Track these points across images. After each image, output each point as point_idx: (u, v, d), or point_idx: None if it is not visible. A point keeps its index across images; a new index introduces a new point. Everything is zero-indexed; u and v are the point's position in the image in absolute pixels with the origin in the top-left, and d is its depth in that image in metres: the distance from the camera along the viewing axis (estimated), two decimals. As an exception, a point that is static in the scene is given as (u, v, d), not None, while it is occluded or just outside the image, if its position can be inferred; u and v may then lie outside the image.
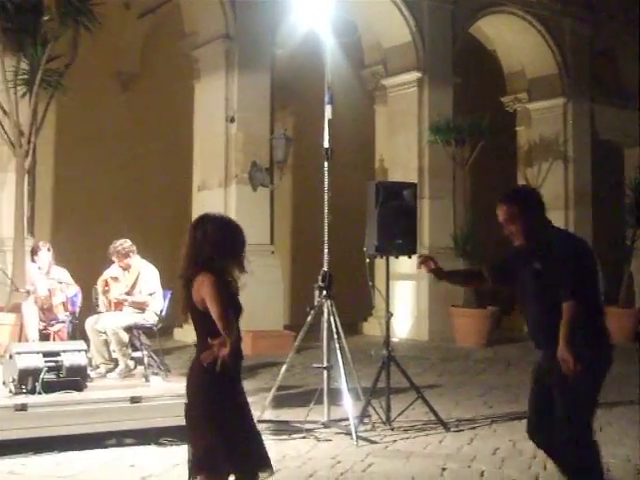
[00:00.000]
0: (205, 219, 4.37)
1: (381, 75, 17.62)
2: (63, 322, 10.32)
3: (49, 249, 10.47)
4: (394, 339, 10.55)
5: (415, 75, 16.77)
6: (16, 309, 11.09)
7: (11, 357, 8.44)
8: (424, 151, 16.67)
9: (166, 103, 16.74)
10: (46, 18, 12.18)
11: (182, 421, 4.44)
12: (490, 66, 19.73)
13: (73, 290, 10.38)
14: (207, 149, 14.78)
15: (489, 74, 19.69)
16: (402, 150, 16.88)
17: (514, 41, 19.21)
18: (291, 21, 13.83)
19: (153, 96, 16.98)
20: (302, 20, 9.83)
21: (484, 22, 18.31)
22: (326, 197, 8.14)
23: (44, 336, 10.26)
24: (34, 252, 10.57)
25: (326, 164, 8.15)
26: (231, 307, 4.18)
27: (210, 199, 14.52)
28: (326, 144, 8.14)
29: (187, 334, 14.48)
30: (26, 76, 11.92)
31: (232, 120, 14.27)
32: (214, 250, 4.19)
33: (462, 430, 8.28)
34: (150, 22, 17.38)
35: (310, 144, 13.46)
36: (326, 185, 8.16)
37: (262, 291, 13.00)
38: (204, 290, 4.12)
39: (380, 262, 9.25)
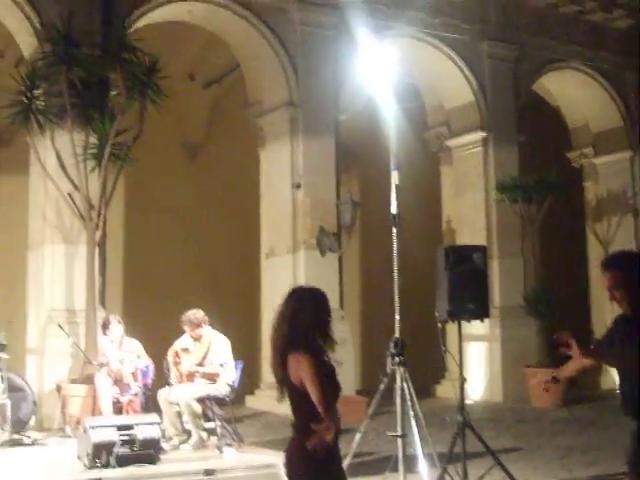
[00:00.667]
0: (299, 293, 4.34)
1: (445, 136, 17.61)
2: (136, 394, 10.37)
3: (120, 322, 10.58)
4: (468, 401, 10.37)
5: (479, 135, 16.74)
6: (88, 381, 11.16)
7: (85, 431, 8.50)
8: (491, 210, 16.56)
9: (232, 171, 16.91)
10: (113, 93, 12.45)
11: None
12: (554, 122, 19.60)
13: (144, 362, 10.44)
14: (274, 216, 14.85)
15: (554, 130, 19.56)
16: (469, 210, 16.79)
17: (577, 95, 19.11)
18: (353, 86, 13.94)
19: (219, 164, 17.17)
20: (364, 85, 9.88)
21: (546, 78, 18.24)
22: (395, 264, 8.08)
23: (117, 408, 10.32)
24: (105, 325, 10.69)
25: (394, 230, 8.11)
26: (329, 387, 4.11)
27: (279, 266, 14.55)
28: (394, 210, 8.11)
29: (259, 401, 14.48)
30: (95, 150, 12.12)
31: (298, 186, 14.34)
32: (309, 325, 4.15)
33: (542, 496, 8.11)
34: (215, 92, 17.65)
35: (376, 207, 13.43)
36: (395, 252, 8.11)
37: (333, 357, 12.92)
38: (302, 372, 4.07)
39: (452, 325, 9.14)
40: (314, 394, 4.02)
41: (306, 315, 4.18)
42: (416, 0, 15.68)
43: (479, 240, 15.55)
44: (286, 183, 14.48)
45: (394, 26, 15.35)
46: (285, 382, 4.18)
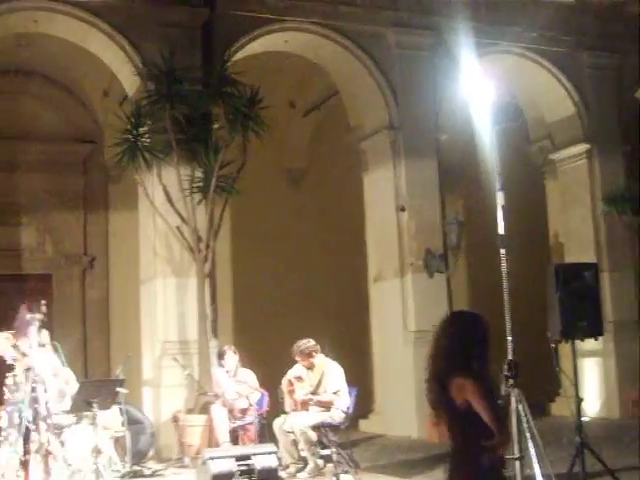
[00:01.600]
0: (459, 317, 4.38)
1: (549, 149, 17.35)
2: (251, 423, 10.47)
3: (235, 352, 10.74)
4: (584, 418, 10.15)
5: (583, 147, 16.42)
6: (204, 411, 11.32)
7: (204, 462, 8.62)
8: (600, 223, 16.22)
9: (336, 196, 16.98)
10: (216, 126, 12.64)
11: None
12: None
13: (259, 392, 10.54)
14: (380, 239, 14.84)
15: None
16: (577, 224, 16.48)
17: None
18: (453, 106, 13.89)
19: (323, 190, 17.27)
20: (464, 104, 9.83)
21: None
22: (505, 285, 7.98)
23: (233, 437, 10.44)
24: (221, 356, 10.84)
25: (502, 251, 8.02)
26: (495, 406, 4.20)
27: (387, 289, 14.53)
28: (501, 230, 8.02)
29: (372, 425, 14.45)
30: (201, 183, 12.32)
31: (403, 209, 14.30)
32: (471, 350, 4.18)
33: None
34: (315, 118, 17.76)
35: (482, 225, 13.36)
36: (504, 273, 8.02)
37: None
38: (468, 395, 4.12)
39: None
40: (485, 414, 4.08)
41: (465, 340, 4.20)
42: (513, 15, 15.54)
43: (588, 254, 15.27)
44: (390, 206, 14.46)
45: (492, 43, 15.22)
46: (447, 406, 4.22)
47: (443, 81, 14.42)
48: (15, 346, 9.61)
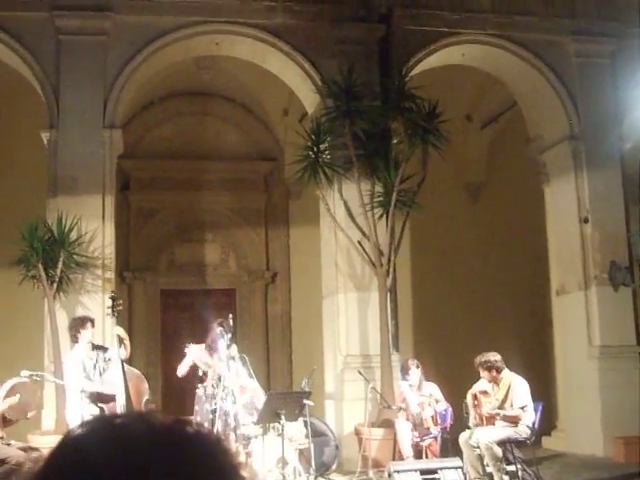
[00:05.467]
0: None
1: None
2: (435, 437, 10.44)
3: (418, 366, 10.73)
4: None
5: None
6: (386, 424, 11.36)
7: (390, 475, 8.65)
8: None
9: (515, 209, 16.75)
10: (395, 141, 12.74)
11: None
12: None
13: (442, 405, 10.50)
14: (563, 252, 14.52)
15: None
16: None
17: None
18: (637, 114, 13.49)
19: (502, 203, 17.07)
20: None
21: None
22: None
23: (416, 451, 10.42)
24: (405, 370, 10.87)
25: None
26: None
27: (570, 303, 14.20)
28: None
29: (555, 442, 14.14)
30: (381, 198, 12.41)
31: (586, 221, 13.96)
32: None
33: None
34: (493, 131, 17.60)
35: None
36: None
37: (621, 395, 12.62)
38: None
39: None
40: None
41: None
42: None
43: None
44: (573, 218, 14.13)
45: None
46: None
47: (625, 88, 14.00)
48: (207, 358, 9.95)
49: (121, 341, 9.66)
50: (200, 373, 10.09)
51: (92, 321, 10.11)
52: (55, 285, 11.73)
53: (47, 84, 12.69)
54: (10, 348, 13.38)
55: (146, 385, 9.86)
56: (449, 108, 13.17)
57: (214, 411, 9.36)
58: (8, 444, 9.18)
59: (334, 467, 11.53)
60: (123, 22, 12.85)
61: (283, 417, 9.12)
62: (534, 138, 15.22)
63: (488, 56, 14.49)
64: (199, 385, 10.08)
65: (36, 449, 9.33)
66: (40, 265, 11.59)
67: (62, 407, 10.60)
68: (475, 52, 14.40)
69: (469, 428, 9.86)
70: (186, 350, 10.15)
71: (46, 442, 10.14)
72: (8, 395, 9.20)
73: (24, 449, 9.18)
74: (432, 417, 10.42)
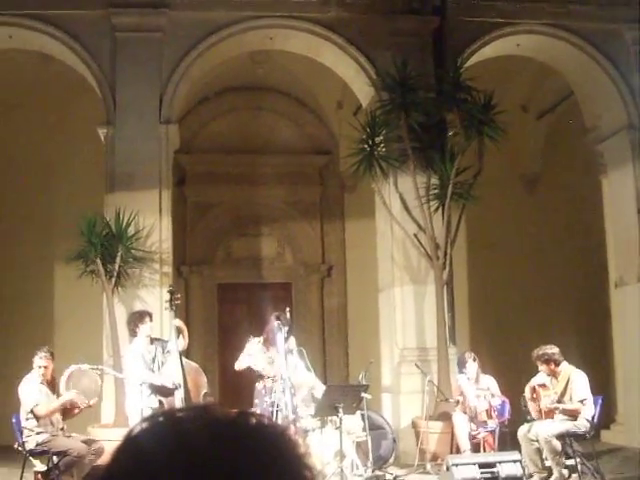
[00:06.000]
0: None
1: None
2: (492, 430, 10.39)
3: (475, 359, 10.69)
4: None
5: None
6: (443, 417, 11.34)
7: (448, 468, 8.63)
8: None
9: (572, 200, 16.57)
10: (451, 133, 12.67)
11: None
12: None
13: (499, 400, 10.45)
14: (621, 243, 14.32)
15: None
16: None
17: None
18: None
19: (558, 194, 16.90)
20: None
21: None
22: None
23: (473, 444, 10.39)
24: (461, 363, 10.84)
25: None
26: None
27: (629, 295, 14.01)
28: None
29: (614, 435, 13.97)
30: (437, 191, 12.36)
31: (645, 212, 13.77)
32: None
33: None
34: (549, 121, 17.42)
35: None
36: None
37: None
38: None
39: None
40: None
41: None
42: None
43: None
44: (631, 208, 13.91)
45: None
46: None
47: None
48: (265, 352, 10.01)
49: (179, 332, 9.77)
50: (260, 368, 10.16)
51: (150, 315, 10.24)
52: (113, 280, 11.88)
53: (104, 81, 12.85)
54: (70, 342, 13.55)
55: (204, 378, 9.95)
56: (504, 99, 13.07)
57: (273, 404, 9.42)
58: (69, 436, 9.33)
59: (391, 460, 11.53)
60: (178, 18, 12.95)
61: (341, 410, 9.15)
62: (591, 128, 15.03)
63: (543, 46, 14.34)
64: (259, 379, 10.15)
65: (96, 441, 9.47)
66: (98, 260, 11.74)
67: (121, 400, 10.75)
68: (530, 42, 14.27)
69: (528, 422, 9.80)
70: (247, 344, 10.25)
71: (106, 435, 10.29)
72: (68, 382, 9.35)
73: (85, 441, 9.32)
74: (487, 410, 10.37)
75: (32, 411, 9.15)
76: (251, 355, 10.19)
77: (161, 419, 1.12)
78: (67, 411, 9.52)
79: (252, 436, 1.10)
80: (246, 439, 1.09)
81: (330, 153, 17.56)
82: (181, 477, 1.04)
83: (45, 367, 9.46)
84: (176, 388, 9.25)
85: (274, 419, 8.93)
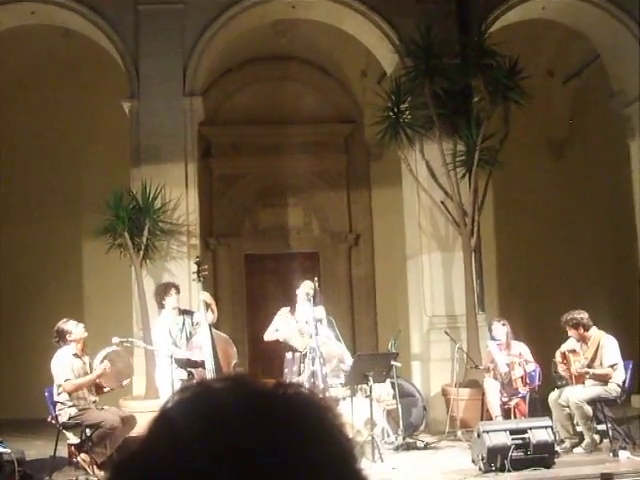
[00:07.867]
0: None
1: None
2: (523, 397, 10.38)
3: (503, 324, 10.66)
4: None
5: None
6: (472, 384, 11.35)
7: (479, 435, 8.64)
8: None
9: (600, 165, 16.41)
10: (476, 99, 12.58)
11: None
12: None
13: (532, 366, 10.42)
14: (650, 208, 14.23)
15: None
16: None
17: None
18: None
19: (585, 159, 16.74)
20: None
21: None
22: None
23: (504, 411, 10.39)
24: (491, 329, 10.82)
25: None
26: None
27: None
28: None
29: (646, 400, 13.92)
30: (463, 157, 12.30)
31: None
32: None
33: None
34: (575, 86, 17.24)
35: None
36: None
37: None
38: None
39: None
40: None
41: None
42: None
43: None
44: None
45: None
46: None
47: None
48: (292, 334, 10.04)
49: (208, 306, 9.81)
50: (287, 338, 10.20)
51: (177, 287, 10.29)
52: (141, 253, 11.95)
53: (127, 55, 12.85)
54: (100, 316, 13.65)
55: (234, 349, 9.99)
56: (530, 64, 12.98)
57: (303, 373, 9.46)
58: (101, 409, 9.42)
59: (422, 428, 11.57)
60: (200, -11, 12.92)
61: (371, 379, 9.18)
62: (618, 92, 14.85)
63: (569, 9, 14.15)
64: (288, 349, 10.19)
65: (128, 414, 9.55)
66: (126, 233, 11.81)
67: (152, 372, 10.83)
68: (555, 5, 14.09)
69: (558, 387, 9.79)
70: (276, 316, 10.30)
71: (137, 407, 10.38)
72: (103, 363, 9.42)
73: (117, 414, 9.40)
74: (522, 377, 10.35)
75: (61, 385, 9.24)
76: (278, 330, 10.23)
77: (196, 391, 1.10)
78: (99, 388, 9.60)
79: (290, 406, 1.07)
80: (284, 410, 1.06)
81: (355, 122, 17.48)
82: (218, 451, 1.02)
83: (83, 339, 9.55)
84: (204, 361, 9.31)
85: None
